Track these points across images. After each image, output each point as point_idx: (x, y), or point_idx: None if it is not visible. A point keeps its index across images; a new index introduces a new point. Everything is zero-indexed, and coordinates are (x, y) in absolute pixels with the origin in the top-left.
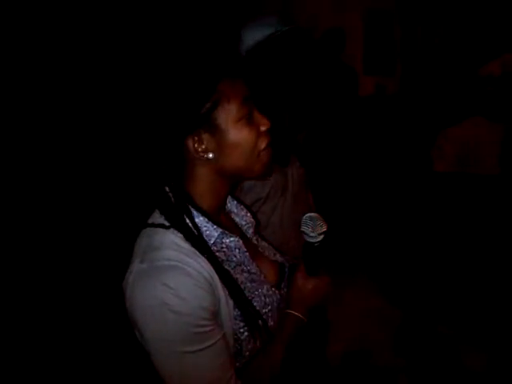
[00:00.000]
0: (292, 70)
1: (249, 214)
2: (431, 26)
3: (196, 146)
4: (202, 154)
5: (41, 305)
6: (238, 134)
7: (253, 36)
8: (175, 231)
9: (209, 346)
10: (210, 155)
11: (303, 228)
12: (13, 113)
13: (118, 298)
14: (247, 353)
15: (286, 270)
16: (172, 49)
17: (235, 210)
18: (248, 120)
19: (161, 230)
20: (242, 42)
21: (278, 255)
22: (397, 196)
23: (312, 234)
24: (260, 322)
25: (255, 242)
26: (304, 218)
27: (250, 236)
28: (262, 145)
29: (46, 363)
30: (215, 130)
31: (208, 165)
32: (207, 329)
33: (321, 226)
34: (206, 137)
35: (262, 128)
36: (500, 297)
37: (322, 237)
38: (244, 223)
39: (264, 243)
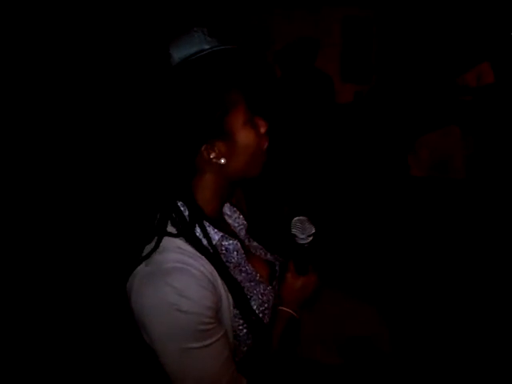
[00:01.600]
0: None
1: (241, 216)
2: (408, 35)
3: (209, 153)
4: (214, 161)
5: (45, 306)
6: (247, 136)
7: (178, 53)
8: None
9: (212, 343)
10: (222, 160)
11: (293, 231)
12: (23, 120)
13: (123, 300)
14: (245, 348)
15: (277, 268)
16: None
17: (228, 212)
18: (252, 123)
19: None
20: (171, 58)
21: (268, 254)
22: (375, 200)
23: (302, 236)
24: (255, 319)
25: (247, 243)
26: (294, 221)
27: (242, 237)
28: (265, 145)
29: (46, 363)
30: (227, 135)
31: (216, 171)
32: (210, 326)
33: (310, 228)
34: (218, 143)
35: (262, 130)
36: (477, 294)
37: (311, 238)
38: (237, 225)
39: (255, 243)
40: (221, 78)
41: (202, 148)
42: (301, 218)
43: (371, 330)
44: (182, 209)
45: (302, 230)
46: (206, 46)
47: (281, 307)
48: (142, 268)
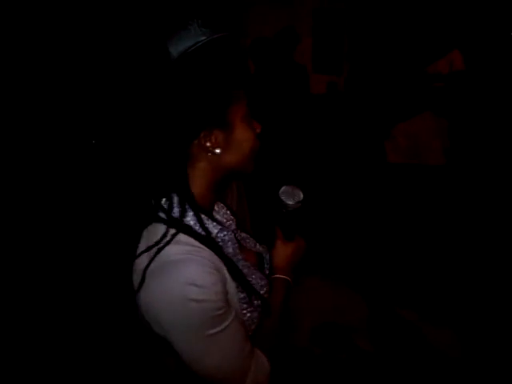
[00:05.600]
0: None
1: (228, 212)
2: (378, 25)
3: (206, 140)
4: (210, 149)
5: (42, 305)
6: (244, 131)
7: (175, 49)
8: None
9: (228, 325)
10: (217, 150)
11: (283, 197)
12: (18, 117)
13: (125, 297)
14: (249, 333)
15: (265, 257)
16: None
17: (216, 208)
18: (249, 121)
19: (161, 226)
20: (169, 54)
21: (257, 245)
22: (352, 189)
23: (291, 202)
24: (260, 301)
25: (238, 237)
26: (282, 189)
27: (234, 232)
28: (257, 145)
29: (46, 363)
30: (226, 125)
31: (210, 161)
32: (224, 310)
33: (298, 194)
34: (216, 132)
35: (257, 130)
36: (453, 279)
37: (299, 205)
38: (225, 220)
39: (243, 234)
40: (230, 68)
41: (201, 134)
42: (290, 185)
43: (350, 319)
44: (175, 200)
45: (292, 197)
46: (203, 38)
47: (276, 275)
48: (147, 263)
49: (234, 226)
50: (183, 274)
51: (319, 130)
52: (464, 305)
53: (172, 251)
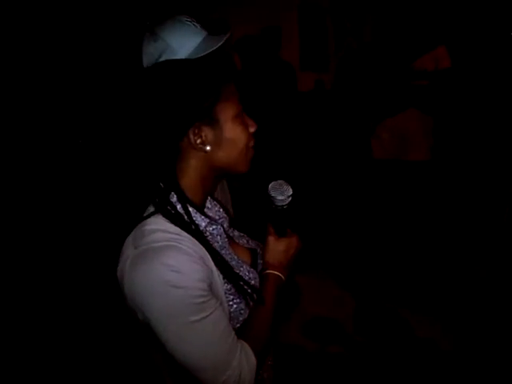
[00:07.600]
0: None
1: (221, 210)
2: (362, 21)
3: (195, 137)
4: (200, 146)
5: (39, 303)
6: (235, 129)
7: (178, 43)
8: (163, 219)
9: (211, 313)
10: (207, 147)
11: (273, 193)
12: (11, 111)
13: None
14: (237, 324)
15: (259, 253)
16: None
17: (209, 206)
18: (242, 119)
19: (150, 220)
20: (146, 55)
21: (250, 241)
22: (339, 185)
23: (281, 198)
24: (250, 290)
25: (230, 234)
26: (271, 184)
27: (225, 228)
28: (250, 144)
29: (45, 363)
30: (215, 123)
31: (201, 158)
32: (206, 299)
33: (288, 189)
34: (205, 129)
35: (251, 129)
36: (441, 273)
37: (290, 199)
38: (218, 217)
39: (237, 233)
40: (222, 68)
41: (190, 131)
42: (278, 181)
43: (338, 314)
44: (170, 194)
45: (281, 192)
46: (200, 38)
47: (268, 271)
48: (132, 250)
49: (226, 224)
50: (164, 259)
51: (307, 127)
52: (453, 297)
53: (156, 238)
